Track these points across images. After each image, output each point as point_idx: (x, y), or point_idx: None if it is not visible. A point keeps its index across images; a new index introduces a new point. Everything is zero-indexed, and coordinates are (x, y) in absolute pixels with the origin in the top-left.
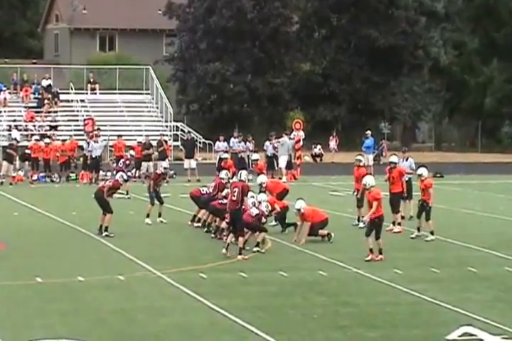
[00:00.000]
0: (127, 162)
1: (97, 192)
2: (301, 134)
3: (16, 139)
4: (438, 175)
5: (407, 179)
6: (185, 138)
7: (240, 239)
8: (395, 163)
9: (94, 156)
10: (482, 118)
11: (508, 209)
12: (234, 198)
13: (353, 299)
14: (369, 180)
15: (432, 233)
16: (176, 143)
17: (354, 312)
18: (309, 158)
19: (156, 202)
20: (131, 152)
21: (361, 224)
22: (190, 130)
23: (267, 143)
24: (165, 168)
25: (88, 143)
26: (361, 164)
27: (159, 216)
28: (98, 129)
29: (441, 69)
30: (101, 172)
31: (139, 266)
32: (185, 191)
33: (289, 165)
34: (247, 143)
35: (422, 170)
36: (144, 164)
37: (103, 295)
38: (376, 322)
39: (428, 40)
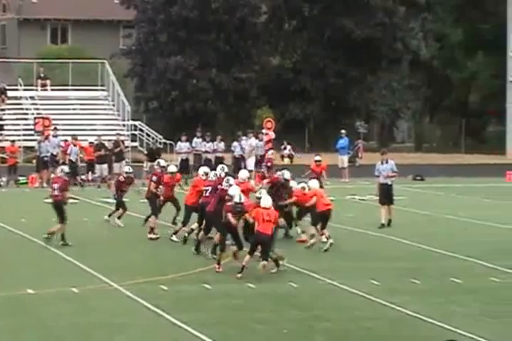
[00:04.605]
0: None
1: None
2: (272, 134)
3: None
4: (418, 178)
5: (389, 183)
6: (150, 146)
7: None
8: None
9: (42, 156)
10: (466, 116)
11: (494, 214)
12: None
13: (328, 313)
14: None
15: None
16: (133, 144)
17: (329, 328)
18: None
19: (113, 206)
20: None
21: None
22: (151, 131)
23: (235, 143)
24: (127, 173)
25: (39, 143)
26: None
27: (118, 218)
28: (55, 129)
29: (421, 63)
30: None
31: (94, 277)
32: (143, 195)
33: (258, 166)
34: (215, 142)
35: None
36: (98, 167)
37: (56, 310)
38: (353, 338)
39: (407, 32)
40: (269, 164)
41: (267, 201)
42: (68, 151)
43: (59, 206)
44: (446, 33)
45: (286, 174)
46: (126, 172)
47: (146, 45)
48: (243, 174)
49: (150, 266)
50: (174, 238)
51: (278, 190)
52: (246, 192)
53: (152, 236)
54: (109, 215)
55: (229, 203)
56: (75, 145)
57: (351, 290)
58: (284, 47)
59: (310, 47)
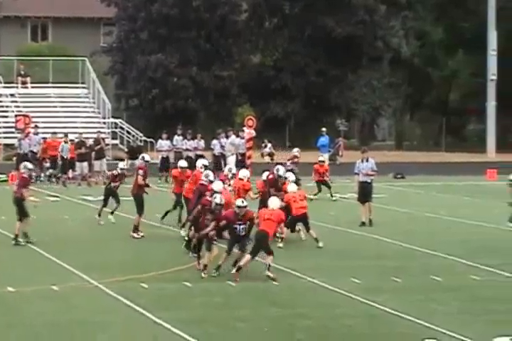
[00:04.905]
0: None
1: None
2: (253, 132)
3: None
4: (399, 176)
5: (369, 181)
6: (131, 143)
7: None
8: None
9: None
10: (446, 114)
11: (475, 212)
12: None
13: (308, 311)
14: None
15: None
16: (114, 142)
17: (310, 325)
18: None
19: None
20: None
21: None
22: (132, 128)
23: (215, 141)
24: (121, 169)
25: (19, 141)
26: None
27: (99, 215)
28: (36, 126)
29: (402, 61)
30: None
31: (74, 275)
32: (126, 194)
33: (239, 165)
34: (196, 140)
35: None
36: (78, 164)
37: (36, 307)
38: (334, 336)
39: (388, 30)
40: (295, 160)
41: (274, 203)
42: (59, 149)
43: (18, 203)
44: (426, 31)
45: (281, 170)
46: (121, 169)
47: (126, 42)
48: (243, 172)
49: (130, 263)
50: (182, 232)
51: (277, 187)
52: (242, 190)
53: (135, 235)
54: (112, 213)
55: (208, 198)
56: (66, 142)
57: (332, 288)
58: (265, 45)
59: (291, 45)
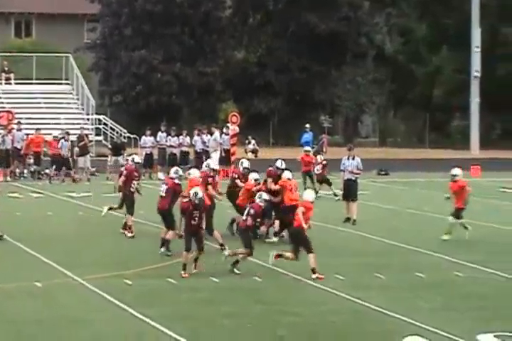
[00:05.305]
0: None
1: None
2: (236, 129)
3: None
4: (383, 173)
5: (353, 178)
6: (114, 140)
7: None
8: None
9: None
10: (430, 111)
11: None
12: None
13: (293, 307)
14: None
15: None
16: (98, 138)
17: (294, 322)
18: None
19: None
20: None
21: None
22: (115, 125)
23: (196, 137)
24: (136, 163)
25: (3, 137)
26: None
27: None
28: (19, 123)
29: (386, 57)
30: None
31: (57, 271)
32: (107, 190)
33: (223, 161)
34: (181, 137)
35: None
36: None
37: (20, 304)
38: (318, 332)
39: (372, 27)
40: (324, 162)
41: (307, 195)
42: (59, 145)
43: None
44: (410, 27)
45: (279, 162)
46: (136, 163)
47: (110, 38)
48: (252, 175)
49: (115, 260)
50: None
51: (274, 179)
52: (245, 190)
53: (128, 233)
54: (110, 208)
55: (185, 200)
56: (66, 140)
57: (316, 285)
58: (249, 41)
59: (274, 41)
